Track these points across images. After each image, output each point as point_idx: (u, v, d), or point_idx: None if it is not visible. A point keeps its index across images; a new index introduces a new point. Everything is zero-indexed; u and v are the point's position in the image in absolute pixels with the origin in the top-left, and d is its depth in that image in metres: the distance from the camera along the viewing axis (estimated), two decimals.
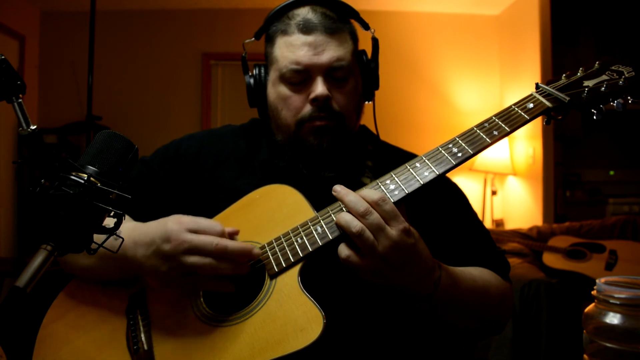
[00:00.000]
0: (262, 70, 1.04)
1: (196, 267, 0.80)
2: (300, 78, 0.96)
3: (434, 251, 0.83)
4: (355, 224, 0.77)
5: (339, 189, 0.82)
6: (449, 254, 0.94)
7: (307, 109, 0.97)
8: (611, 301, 0.58)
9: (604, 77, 0.86)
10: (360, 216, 0.77)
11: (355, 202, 0.78)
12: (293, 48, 0.96)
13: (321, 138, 0.97)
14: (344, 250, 0.79)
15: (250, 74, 1.06)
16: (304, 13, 0.97)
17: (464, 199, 1.07)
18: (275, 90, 1.00)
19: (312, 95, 0.95)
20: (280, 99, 0.99)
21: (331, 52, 0.95)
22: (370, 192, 0.80)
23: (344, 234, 0.80)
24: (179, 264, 0.80)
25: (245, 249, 0.81)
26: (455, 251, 0.97)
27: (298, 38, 0.96)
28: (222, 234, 0.81)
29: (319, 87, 0.94)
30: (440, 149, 0.85)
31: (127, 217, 0.98)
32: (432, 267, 0.82)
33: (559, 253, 3.11)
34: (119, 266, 0.89)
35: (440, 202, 1.02)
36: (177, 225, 0.82)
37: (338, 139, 0.99)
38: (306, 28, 0.95)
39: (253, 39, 1.06)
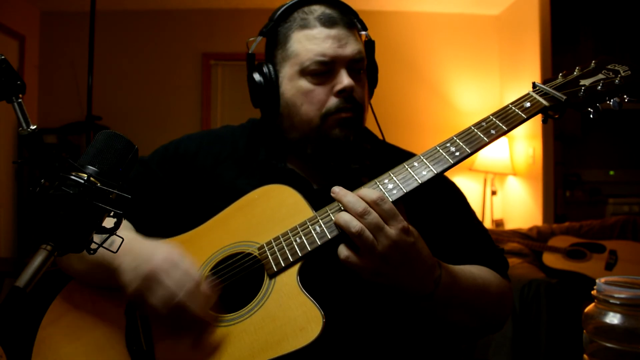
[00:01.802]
0: (271, 69, 1.01)
1: (154, 310, 0.79)
2: (324, 70, 0.95)
3: (433, 250, 0.83)
4: (354, 224, 0.77)
5: (337, 190, 0.82)
6: (448, 252, 0.94)
7: (332, 101, 0.95)
8: (611, 301, 0.58)
9: (600, 76, 0.86)
10: (359, 216, 0.77)
11: (354, 202, 0.78)
12: (317, 41, 0.95)
13: (348, 130, 0.97)
14: (343, 250, 0.79)
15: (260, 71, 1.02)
16: (321, 9, 0.98)
17: (462, 198, 1.07)
18: (294, 86, 0.98)
19: (339, 87, 0.94)
20: (301, 94, 0.97)
21: (353, 45, 0.96)
22: (368, 191, 0.80)
23: (342, 234, 0.80)
24: (143, 299, 0.81)
25: (204, 318, 0.80)
26: (454, 250, 0.97)
27: (321, 31, 0.95)
28: (192, 288, 0.79)
29: (346, 79, 0.94)
30: (438, 148, 0.85)
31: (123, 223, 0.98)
32: (432, 265, 0.82)
33: (559, 253, 3.11)
34: (108, 277, 0.87)
35: (439, 201, 1.02)
36: (164, 263, 0.81)
37: (360, 131, 1.00)
38: (329, 22, 0.96)
39: (259, 37, 1.03)
